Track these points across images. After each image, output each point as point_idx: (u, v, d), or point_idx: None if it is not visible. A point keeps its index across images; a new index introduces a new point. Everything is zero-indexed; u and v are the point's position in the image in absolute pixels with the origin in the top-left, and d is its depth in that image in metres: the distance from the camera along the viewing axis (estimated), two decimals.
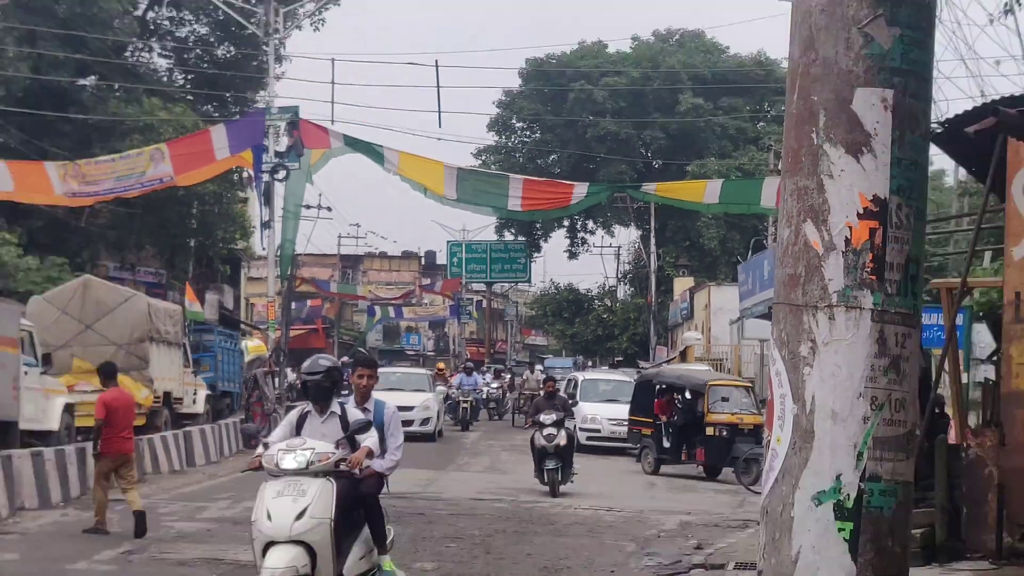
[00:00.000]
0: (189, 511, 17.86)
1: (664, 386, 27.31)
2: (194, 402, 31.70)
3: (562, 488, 19.98)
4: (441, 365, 47.75)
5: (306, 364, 9.27)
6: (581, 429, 28.75)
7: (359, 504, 8.58)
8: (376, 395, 25.69)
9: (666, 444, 26.03)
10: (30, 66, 38.16)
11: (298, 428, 8.87)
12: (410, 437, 25.24)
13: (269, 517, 7.91)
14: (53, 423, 22.64)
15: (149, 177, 32.18)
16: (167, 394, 29.05)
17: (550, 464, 19.74)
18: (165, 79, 48.60)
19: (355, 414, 8.77)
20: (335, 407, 8.83)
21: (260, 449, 9.01)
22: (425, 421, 30.22)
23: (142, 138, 36.73)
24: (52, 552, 13.45)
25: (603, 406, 31.46)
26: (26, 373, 21.82)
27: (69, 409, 23.50)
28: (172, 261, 48.78)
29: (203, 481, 22.98)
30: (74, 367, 25.62)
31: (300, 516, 7.78)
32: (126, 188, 33.09)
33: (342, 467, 8.29)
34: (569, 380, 36.16)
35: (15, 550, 13.61)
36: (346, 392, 11.07)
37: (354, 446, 8.52)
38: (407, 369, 41.96)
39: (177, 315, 31.99)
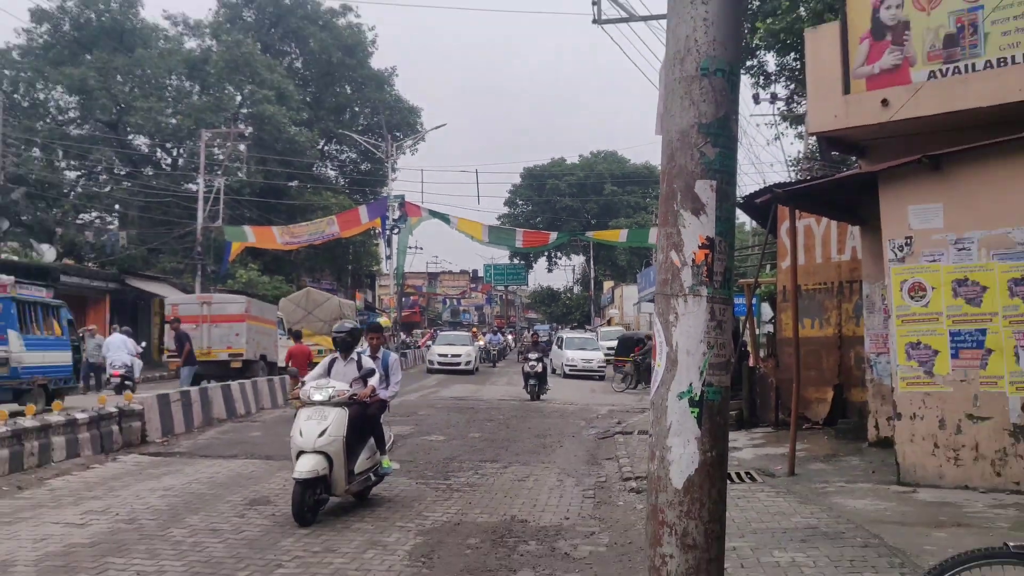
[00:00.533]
0: None
1: (637, 339, 30.36)
2: (364, 351, 39.85)
3: (541, 397, 22.41)
4: (475, 330, 51.97)
5: (336, 325, 9.61)
6: (566, 365, 33.18)
7: (367, 422, 8.78)
8: (439, 347, 36.25)
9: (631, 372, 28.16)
10: (262, 175, 45.23)
11: (329, 370, 9.10)
12: (457, 371, 32.55)
13: (301, 434, 8.22)
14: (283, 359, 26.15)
15: (327, 233, 39.13)
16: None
17: (532, 382, 22.40)
18: (333, 182, 56.15)
19: (367, 362, 9.09)
20: (355, 356, 9.13)
21: (301, 385, 9.61)
22: (468, 362, 33.71)
23: (322, 213, 43.22)
24: (278, 431, 14.55)
25: (577, 352, 34.05)
26: (280, 337, 27.54)
27: None
28: (339, 277, 57.57)
29: None
30: (304, 334, 28.62)
31: (322, 434, 8.13)
32: (314, 239, 39.78)
33: (358, 398, 8.65)
34: (557, 337, 40.04)
35: (258, 431, 15.33)
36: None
37: (365, 384, 8.88)
38: (458, 332, 43.96)
39: (353, 306, 39.60)
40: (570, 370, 33.13)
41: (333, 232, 39.84)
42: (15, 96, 44.02)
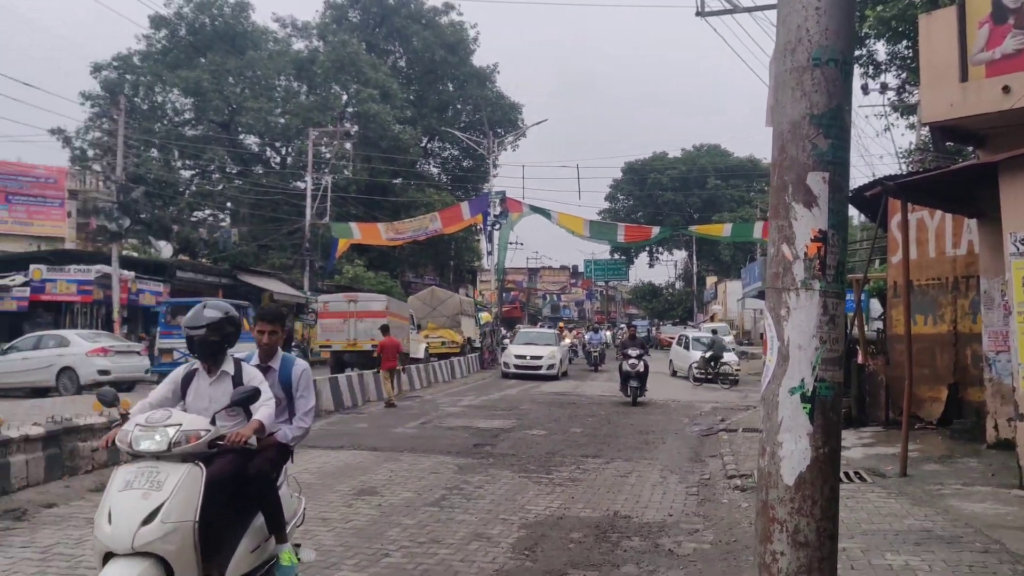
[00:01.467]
0: (454, 400, 20.17)
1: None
2: (476, 342, 38.24)
3: (640, 400, 19.66)
4: (561, 325, 46.93)
5: (187, 316, 5.14)
6: (695, 367, 28.12)
7: (250, 486, 4.86)
8: (517, 348, 29.46)
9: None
10: (367, 172, 46.42)
11: (184, 389, 5.11)
12: (537, 377, 27.28)
13: (110, 519, 4.13)
14: (420, 354, 30.44)
15: (430, 229, 39.62)
16: (469, 339, 37.27)
17: (633, 383, 19.54)
18: (436, 178, 56.90)
19: (252, 374, 5.08)
20: (228, 365, 5.08)
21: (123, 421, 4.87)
22: (551, 366, 28.25)
23: (425, 209, 43.91)
24: (383, 422, 15.40)
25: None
26: (411, 331, 30.31)
27: (427, 347, 32.45)
28: (441, 273, 58.05)
29: (465, 384, 26.94)
30: (428, 328, 35.01)
31: (149, 519, 4.08)
32: (418, 235, 40.42)
33: (230, 444, 4.61)
34: (681, 336, 34.11)
35: (364, 423, 15.62)
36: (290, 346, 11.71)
37: (248, 415, 4.93)
38: (540, 329, 38.07)
39: (471, 302, 41.44)
40: (700, 373, 27.99)
41: (436, 228, 40.42)
42: (135, 99, 46.02)
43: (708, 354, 27.38)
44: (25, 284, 28.50)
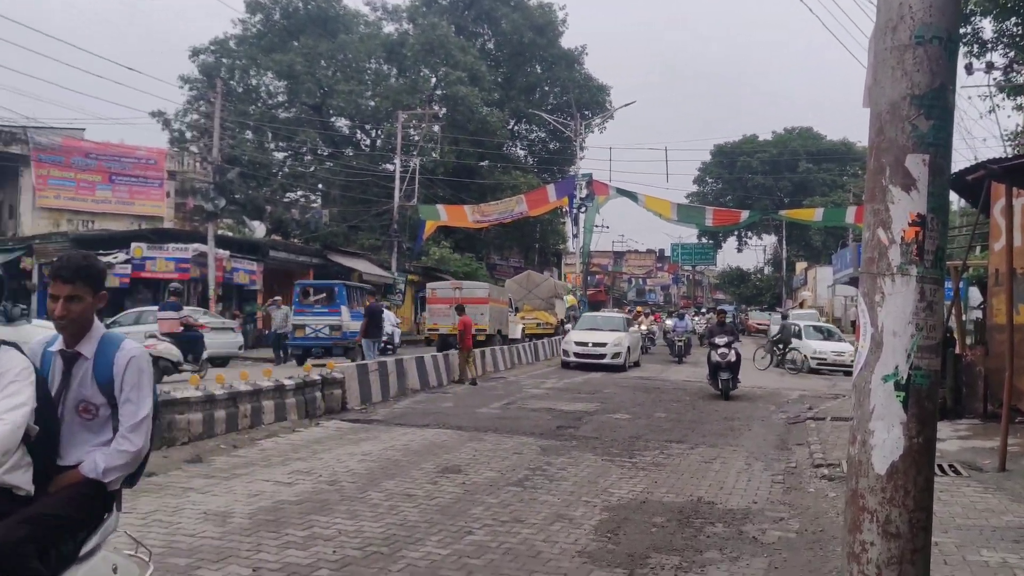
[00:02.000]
0: (538, 382, 20.48)
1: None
2: (565, 324, 38.04)
3: (731, 394, 17.82)
4: (640, 310, 43.17)
5: None
6: (813, 358, 27.14)
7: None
8: (579, 334, 26.02)
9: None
10: (455, 155, 46.52)
11: None
12: (599, 367, 23.94)
13: None
14: (518, 335, 32.83)
15: (515, 212, 39.96)
16: (562, 321, 38.37)
17: (723, 375, 17.52)
18: (523, 161, 56.81)
19: (10, 364, 3.13)
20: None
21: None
22: (616, 355, 24.92)
23: (511, 192, 44.35)
24: (468, 402, 15.57)
25: (824, 343, 28.11)
26: (509, 314, 32.83)
27: (523, 328, 34.64)
28: (526, 255, 58.22)
29: (549, 366, 27.05)
30: (524, 309, 36.67)
31: None
32: (503, 217, 40.89)
33: None
34: (792, 325, 30.47)
35: (450, 402, 15.79)
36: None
37: (49, 417, 3.28)
38: (606, 313, 34.10)
39: (564, 286, 42.49)
40: (818, 364, 26.80)
41: (521, 211, 40.65)
42: (231, 82, 47.13)
43: (775, 338, 28.72)
44: (127, 262, 29.52)
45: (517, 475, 9.18)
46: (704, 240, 73.14)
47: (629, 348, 25.90)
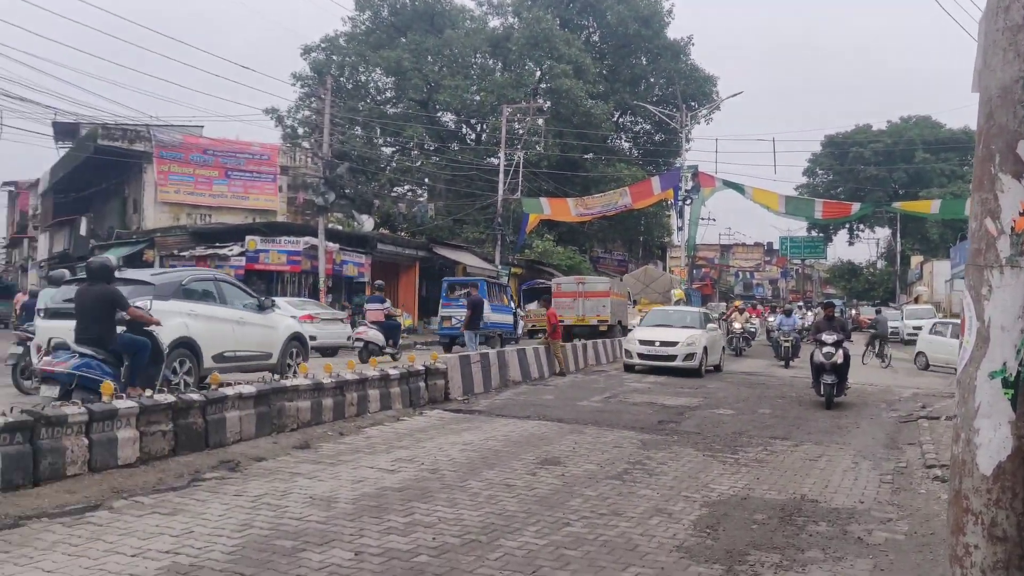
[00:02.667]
0: (640, 376, 20.08)
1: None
2: None
3: (838, 400, 15.44)
4: (737, 303, 39.72)
5: None
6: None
7: None
8: (644, 331, 21.50)
9: None
10: (559, 148, 46.70)
11: None
12: (671, 371, 20.27)
13: None
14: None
15: (619, 205, 40.20)
16: None
17: (827, 379, 15.11)
18: (627, 153, 56.55)
19: None
20: None
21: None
22: (689, 356, 20.91)
23: (615, 184, 43.74)
24: (568, 395, 15.52)
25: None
26: (628, 307, 34.07)
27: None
28: (630, 248, 58.52)
29: None
30: (641, 303, 37.00)
31: None
32: (607, 210, 41.19)
33: None
34: (885, 319, 29.75)
35: (551, 394, 15.76)
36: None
37: None
38: (680, 307, 29.47)
39: (680, 280, 42.27)
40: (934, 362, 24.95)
41: (625, 203, 40.65)
42: (341, 79, 48.13)
43: (872, 332, 28.36)
44: (241, 254, 30.58)
45: (616, 468, 9.14)
46: (814, 233, 71.02)
47: (706, 348, 21.52)
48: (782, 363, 25.42)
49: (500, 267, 39.53)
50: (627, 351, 21.82)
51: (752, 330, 33.39)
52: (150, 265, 31.85)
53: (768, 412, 14.55)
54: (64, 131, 40.17)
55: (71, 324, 10.16)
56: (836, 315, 17.28)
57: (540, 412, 13.45)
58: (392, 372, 13.27)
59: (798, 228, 71.93)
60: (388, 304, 22.51)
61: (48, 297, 13.56)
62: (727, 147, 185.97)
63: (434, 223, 44.76)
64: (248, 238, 30.76)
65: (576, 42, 49.95)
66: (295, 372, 13.17)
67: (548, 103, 47.36)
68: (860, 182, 67.72)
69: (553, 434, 11.38)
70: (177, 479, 7.94)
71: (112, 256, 19.77)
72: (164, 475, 8.02)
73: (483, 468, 8.92)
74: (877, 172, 67.03)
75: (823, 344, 15.33)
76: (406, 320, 34.70)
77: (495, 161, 43.56)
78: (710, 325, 22.98)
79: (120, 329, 9.96)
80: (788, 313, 28.61)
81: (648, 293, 38.90)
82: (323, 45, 50.59)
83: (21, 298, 31.30)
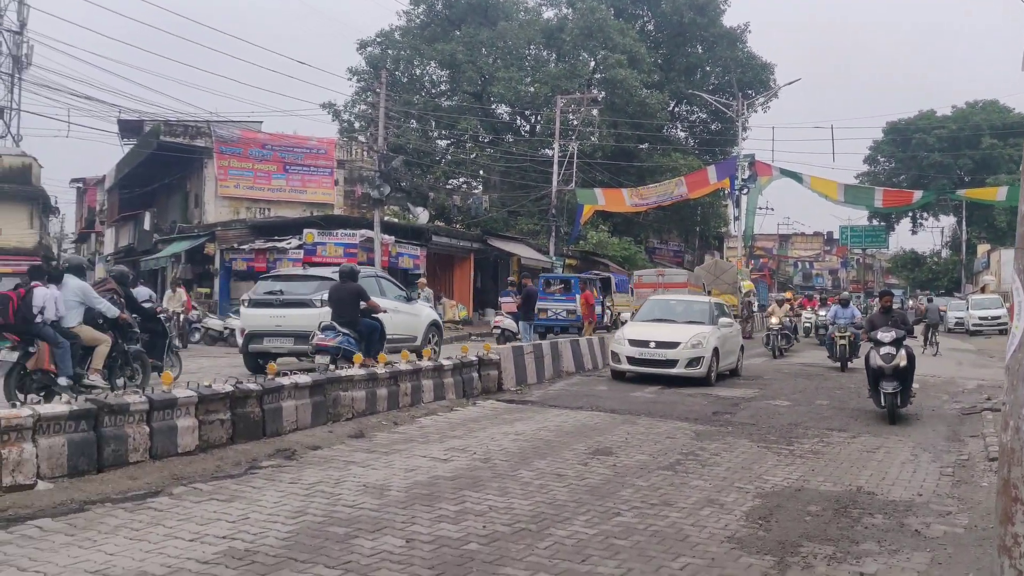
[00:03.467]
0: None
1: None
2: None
3: (903, 411, 12.66)
4: (788, 294, 38.00)
5: None
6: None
7: None
8: (636, 328, 17.26)
9: None
10: (613, 138, 46.56)
11: None
12: (669, 379, 15.93)
13: None
14: None
15: (675, 195, 40.24)
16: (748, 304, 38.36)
17: (887, 387, 12.20)
18: (683, 143, 55.89)
19: None
20: None
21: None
22: (694, 361, 16.13)
23: (671, 174, 43.62)
24: (621, 386, 15.42)
25: None
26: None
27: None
28: (686, 239, 57.83)
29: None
30: (712, 293, 35.92)
31: None
32: (662, 200, 41.18)
33: None
34: (936, 308, 30.47)
35: (604, 385, 15.69)
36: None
37: None
38: (684, 297, 23.28)
39: (747, 271, 43.06)
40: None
41: (681, 193, 40.50)
42: (396, 73, 48.46)
43: (924, 322, 27.86)
44: (299, 247, 30.94)
45: (669, 459, 9.10)
46: (875, 222, 69.57)
47: (717, 350, 16.73)
48: (838, 364, 21.16)
49: (554, 259, 39.51)
50: (614, 353, 16.93)
51: (808, 322, 30.63)
52: (211, 259, 32.48)
53: (826, 403, 14.33)
54: (128, 128, 41.15)
55: (269, 311, 15.39)
56: (893, 306, 14.50)
57: (592, 403, 13.42)
58: (446, 363, 13.37)
59: (859, 217, 70.65)
60: (517, 298, 25.08)
61: (250, 291, 17.36)
62: (784, 135, 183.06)
63: (488, 215, 44.81)
64: (306, 231, 31.10)
65: (630, 31, 49.58)
66: (435, 351, 15.79)
67: (603, 93, 47.27)
68: (923, 169, 65.86)
69: (605, 425, 11.36)
70: (234, 467, 8.10)
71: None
72: (222, 463, 8.20)
73: (535, 458, 8.94)
74: (941, 159, 65.08)
75: (880, 343, 12.43)
76: (461, 312, 34.99)
77: (549, 152, 43.49)
78: (723, 320, 18.22)
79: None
80: (845, 303, 23.39)
81: (718, 284, 38.57)
82: (378, 39, 50.99)
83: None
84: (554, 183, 39.81)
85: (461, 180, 51.70)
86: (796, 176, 39.54)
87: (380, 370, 11.73)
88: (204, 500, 6.88)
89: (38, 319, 10.09)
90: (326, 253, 30.93)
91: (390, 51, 50.56)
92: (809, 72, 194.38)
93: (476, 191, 51.01)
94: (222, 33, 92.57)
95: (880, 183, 63.02)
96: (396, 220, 36.83)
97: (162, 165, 37.59)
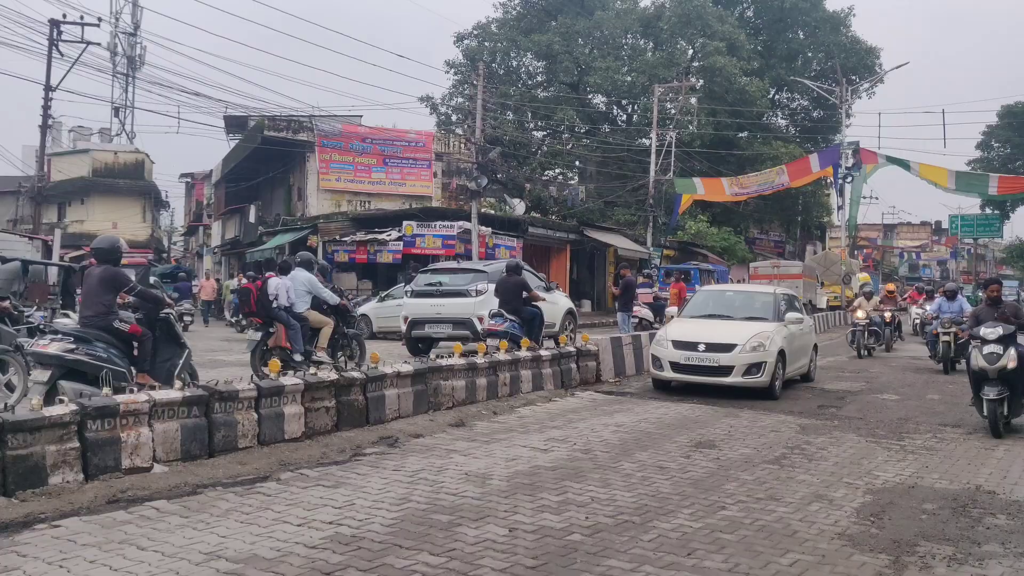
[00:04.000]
0: None
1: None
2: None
3: (1013, 423, 10.65)
4: (891, 286, 29.70)
5: None
6: None
7: None
8: (683, 326, 14.00)
9: None
10: (712, 127, 45.98)
11: None
12: (722, 391, 13.03)
13: None
14: (823, 304, 38.52)
15: (776, 183, 39.52)
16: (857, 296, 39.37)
17: (990, 393, 10.24)
18: (783, 131, 54.79)
19: None
20: None
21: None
22: (754, 368, 12.82)
23: (771, 163, 42.93)
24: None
25: None
26: (817, 288, 37.49)
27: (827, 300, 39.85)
28: (787, 229, 56.56)
29: (832, 338, 26.09)
30: (825, 286, 39.63)
31: None
32: (763, 189, 40.37)
33: None
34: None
35: None
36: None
37: None
38: (744, 287, 20.73)
39: (858, 263, 43.71)
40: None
41: (782, 182, 39.78)
42: (492, 65, 48.61)
43: None
44: (399, 239, 31.42)
45: (774, 453, 8.87)
46: (988, 210, 66.42)
47: (783, 352, 13.46)
48: (941, 367, 18.27)
49: (652, 249, 39.27)
50: (655, 358, 13.79)
51: (918, 319, 25.89)
52: (314, 250, 33.20)
53: (937, 398, 13.80)
54: (234, 124, 42.41)
55: (429, 301, 17.31)
56: (1004, 297, 12.42)
57: (693, 395, 13.20)
58: (544, 353, 13.33)
59: (970, 205, 67.40)
60: (656, 288, 26.76)
61: (413, 282, 18.91)
62: (891, 121, 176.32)
63: (584, 206, 44.63)
64: (405, 223, 31.56)
65: (729, 18, 48.79)
66: (570, 338, 16.50)
67: (701, 82, 46.74)
68: None
69: (707, 417, 11.16)
70: (339, 454, 8.23)
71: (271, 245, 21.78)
72: (327, 449, 8.33)
73: (636, 449, 8.83)
74: None
75: (984, 341, 10.46)
76: None
77: (646, 142, 43.16)
78: (791, 315, 14.52)
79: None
80: (951, 295, 19.51)
81: (829, 276, 39.95)
82: (475, 32, 51.32)
83: (209, 284, 33.35)
84: (652, 173, 39.47)
85: (557, 171, 51.52)
86: (903, 163, 38.33)
87: (480, 360, 11.77)
88: (310, 486, 7.00)
89: (273, 305, 11.96)
90: (425, 245, 31.32)
91: (487, 43, 50.81)
92: (918, 55, 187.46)
93: (572, 182, 50.84)
94: (324, 28, 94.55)
95: (994, 170, 60.12)
96: (493, 212, 37.03)
97: (266, 159, 38.61)
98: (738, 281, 35.27)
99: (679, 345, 13.26)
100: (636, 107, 49.39)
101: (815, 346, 15.92)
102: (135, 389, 7.66)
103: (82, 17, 29.21)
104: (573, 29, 47.92)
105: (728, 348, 12.94)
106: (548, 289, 18.21)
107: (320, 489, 6.89)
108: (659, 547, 5.61)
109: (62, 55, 28.59)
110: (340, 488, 6.93)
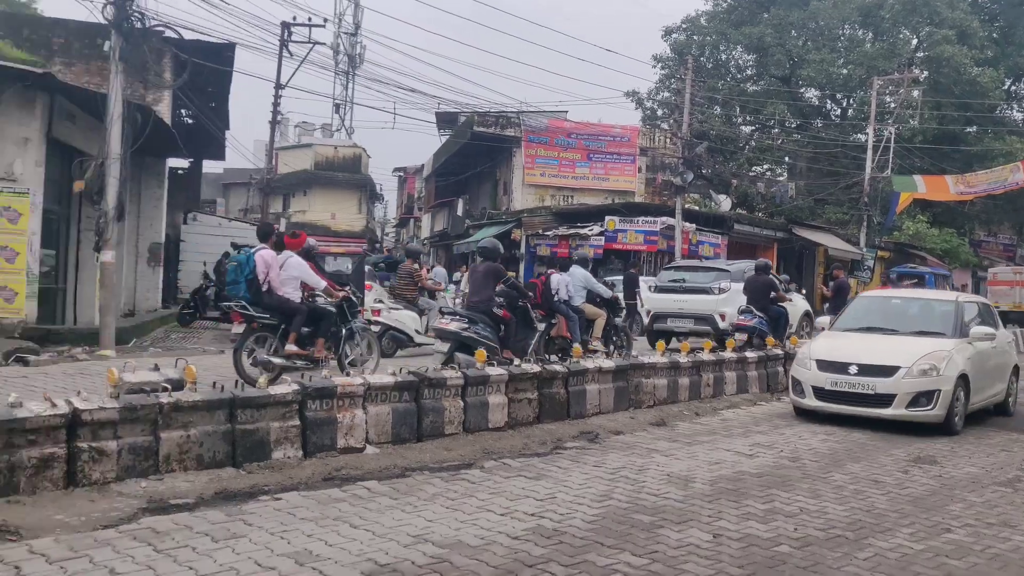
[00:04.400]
0: None
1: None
2: None
3: None
4: None
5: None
6: None
7: None
8: (833, 341, 11.33)
9: None
10: (935, 121, 42.70)
11: None
12: (882, 423, 10.28)
13: None
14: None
15: (1009, 182, 35.97)
16: None
17: None
18: (1019, 125, 49.86)
19: None
20: None
21: None
22: (923, 397, 9.98)
23: (1003, 160, 39.38)
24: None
25: None
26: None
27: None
28: (1020, 231, 52.72)
29: None
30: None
31: None
32: (993, 188, 37.24)
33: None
34: None
35: None
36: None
37: None
38: (916, 293, 15.33)
39: None
40: None
41: (1017, 180, 36.43)
42: (701, 59, 47.62)
43: None
44: (601, 234, 31.41)
45: (1006, 474, 8.16)
46: None
47: (966, 377, 10.51)
48: None
49: (865, 250, 37.28)
50: (795, 382, 11.10)
51: None
52: (517, 244, 33.77)
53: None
54: (445, 120, 43.78)
55: (672, 296, 17.95)
56: None
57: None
58: (750, 355, 12.96)
59: None
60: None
61: (656, 278, 20.14)
62: None
63: (793, 203, 42.94)
64: (607, 218, 31.51)
65: (960, 4, 45.23)
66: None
67: (925, 73, 43.67)
68: None
69: (926, 430, 10.41)
70: (540, 445, 8.29)
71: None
72: (529, 440, 8.42)
73: (847, 461, 8.39)
74: None
75: None
76: None
77: (862, 137, 41.13)
78: (979, 329, 11.23)
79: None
80: None
81: None
82: (684, 26, 50.49)
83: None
84: (867, 170, 37.41)
85: (765, 167, 49.81)
86: None
87: (683, 359, 11.56)
88: (513, 476, 7.07)
89: (555, 298, 12.82)
90: (627, 240, 31.17)
91: (695, 37, 49.85)
92: None
93: (781, 178, 49.06)
94: (532, 23, 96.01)
95: None
96: (697, 208, 36.29)
97: (475, 154, 39.65)
98: (962, 287, 32.88)
99: (824, 366, 10.63)
100: (851, 101, 46.97)
101: (1016, 368, 12.58)
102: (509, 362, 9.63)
103: (310, 19, 30.88)
104: (787, 20, 46.22)
105: (889, 372, 10.22)
106: (787, 290, 18.35)
107: (522, 480, 6.95)
108: (876, 566, 5.27)
109: (291, 55, 30.35)
110: (542, 480, 6.96)
